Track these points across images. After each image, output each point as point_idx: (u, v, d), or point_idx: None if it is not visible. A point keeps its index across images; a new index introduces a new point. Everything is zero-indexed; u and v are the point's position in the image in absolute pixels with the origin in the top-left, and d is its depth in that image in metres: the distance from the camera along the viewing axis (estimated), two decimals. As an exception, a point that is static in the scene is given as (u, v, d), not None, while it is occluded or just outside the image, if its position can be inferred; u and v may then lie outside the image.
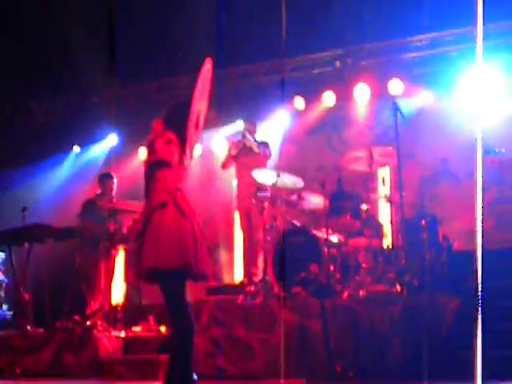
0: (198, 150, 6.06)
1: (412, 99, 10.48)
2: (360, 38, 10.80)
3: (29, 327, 8.94)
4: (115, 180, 9.72)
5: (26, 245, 8.79)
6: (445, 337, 6.76)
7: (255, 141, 9.55)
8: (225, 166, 9.81)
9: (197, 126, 5.63)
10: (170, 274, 5.37)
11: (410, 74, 10.62)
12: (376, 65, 10.99)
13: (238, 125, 9.89)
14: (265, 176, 8.58)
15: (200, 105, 5.65)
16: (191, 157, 5.67)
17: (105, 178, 9.77)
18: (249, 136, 9.51)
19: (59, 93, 13.00)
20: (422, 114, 10.51)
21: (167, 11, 11.37)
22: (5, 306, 11.17)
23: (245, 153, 9.54)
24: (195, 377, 5.41)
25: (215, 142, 11.63)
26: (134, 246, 7.46)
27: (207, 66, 5.71)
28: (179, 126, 5.51)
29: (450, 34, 10.35)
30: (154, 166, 5.50)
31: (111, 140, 12.59)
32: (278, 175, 8.37)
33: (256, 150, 9.44)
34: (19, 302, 9.07)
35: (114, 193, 9.67)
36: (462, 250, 8.05)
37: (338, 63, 11.18)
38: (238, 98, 11.77)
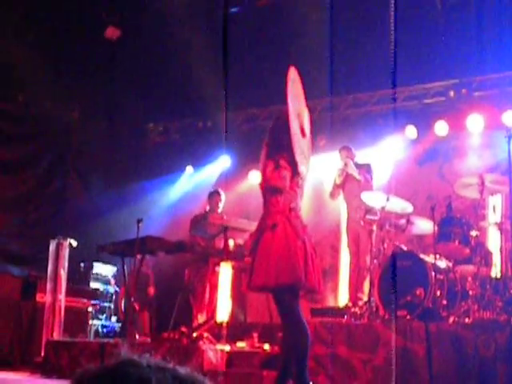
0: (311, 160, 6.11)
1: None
2: (474, 69, 10.77)
3: (137, 336, 9.22)
4: (223, 197, 10.09)
5: (138, 256, 9.04)
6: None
7: (356, 166, 9.60)
8: (333, 195, 9.88)
9: (304, 135, 5.74)
10: (280, 290, 5.52)
11: (526, 105, 10.49)
12: (490, 96, 10.89)
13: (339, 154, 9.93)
14: (374, 199, 8.61)
15: (299, 113, 5.75)
16: (306, 169, 5.77)
17: (213, 195, 10.19)
18: (350, 164, 9.57)
19: (174, 116, 13.45)
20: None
21: (280, 39, 11.65)
22: (113, 318, 11.53)
23: (349, 180, 9.61)
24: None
25: (323, 169, 11.64)
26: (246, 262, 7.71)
27: (292, 75, 5.84)
28: (284, 148, 5.64)
29: None
30: (266, 191, 5.69)
31: (223, 162, 12.92)
32: (388, 199, 8.39)
33: (357, 177, 9.50)
34: (129, 311, 9.35)
35: (220, 209, 10.00)
36: None
37: (451, 93, 11.15)
38: (348, 127, 11.86)
